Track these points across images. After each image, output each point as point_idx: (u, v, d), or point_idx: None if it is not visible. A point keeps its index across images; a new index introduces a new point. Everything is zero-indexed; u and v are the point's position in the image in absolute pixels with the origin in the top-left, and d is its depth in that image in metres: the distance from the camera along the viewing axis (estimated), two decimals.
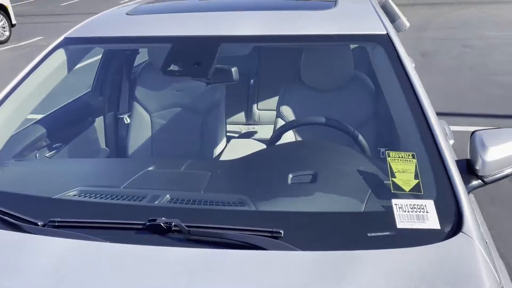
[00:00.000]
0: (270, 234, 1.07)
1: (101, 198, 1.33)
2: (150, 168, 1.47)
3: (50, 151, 2.06)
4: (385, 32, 1.64)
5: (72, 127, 2.25)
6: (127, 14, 2.09)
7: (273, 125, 3.22)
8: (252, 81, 3.32)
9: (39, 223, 1.21)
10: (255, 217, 1.19)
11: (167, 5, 2.48)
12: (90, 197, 1.33)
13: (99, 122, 2.47)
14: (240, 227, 1.10)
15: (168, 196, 1.29)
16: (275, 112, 3.25)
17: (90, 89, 2.51)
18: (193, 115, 2.48)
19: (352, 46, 2.43)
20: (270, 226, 1.09)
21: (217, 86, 2.45)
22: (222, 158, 2.29)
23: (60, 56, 1.90)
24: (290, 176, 1.29)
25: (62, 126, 2.17)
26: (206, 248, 1.08)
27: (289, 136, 2.31)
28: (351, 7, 1.95)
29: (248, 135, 2.96)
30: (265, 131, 3.00)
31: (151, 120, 2.52)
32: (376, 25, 1.69)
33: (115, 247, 1.12)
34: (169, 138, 2.51)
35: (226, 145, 2.46)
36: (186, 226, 1.11)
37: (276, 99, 3.28)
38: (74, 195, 1.35)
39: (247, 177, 1.37)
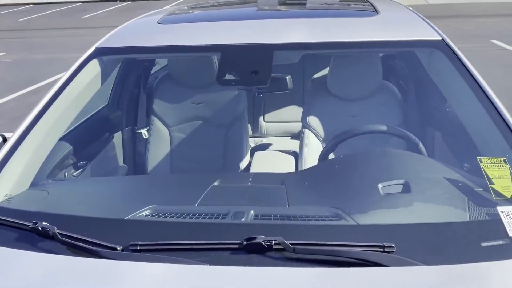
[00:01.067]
0: (382, 249, 1.01)
1: (178, 217, 1.21)
2: (216, 184, 1.37)
3: (75, 170, 1.91)
4: (440, 38, 1.64)
5: (92, 144, 2.10)
6: (158, 23, 2.00)
7: (282, 137, 3.18)
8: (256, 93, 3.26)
9: (118, 248, 1.09)
10: (359, 232, 1.12)
11: (197, 15, 2.39)
12: (166, 217, 1.22)
13: (117, 137, 2.33)
14: (349, 242, 1.02)
15: (252, 212, 1.20)
16: (282, 124, 3.21)
17: (106, 103, 2.37)
18: (214, 128, 2.39)
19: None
20: (376, 240, 1.03)
21: (240, 98, 2.38)
22: (252, 171, 2.21)
23: (94, 67, 1.77)
24: (380, 186, 1.23)
25: (84, 143, 2.02)
26: (315, 267, 1.00)
27: (315, 145, 2.25)
28: (395, 15, 1.95)
29: (263, 147, 2.88)
30: (281, 143, 2.94)
31: (170, 135, 2.40)
32: (428, 31, 1.68)
33: (213, 269, 1.02)
34: (189, 153, 2.39)
35: (250, 159, 2.38)
36: (290, 243, 1.03)
37: (283, 110, 3.24)
38: (147, 215, 1.23)
39: (330, 189, 1.30)
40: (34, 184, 1.47)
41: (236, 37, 1.73)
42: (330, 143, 1.69)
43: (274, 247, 1.03)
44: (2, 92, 6.88)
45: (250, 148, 2.43)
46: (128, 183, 1.52)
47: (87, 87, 1.72)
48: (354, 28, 1.74)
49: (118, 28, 2.04)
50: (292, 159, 2.28)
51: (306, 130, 2.23)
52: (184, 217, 1.21)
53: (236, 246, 1.05)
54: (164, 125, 2.40)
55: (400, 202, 1.20)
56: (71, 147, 1.86)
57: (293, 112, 3.17)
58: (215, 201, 1.27)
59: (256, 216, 1.19)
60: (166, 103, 2.39)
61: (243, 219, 1.17)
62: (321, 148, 2.24)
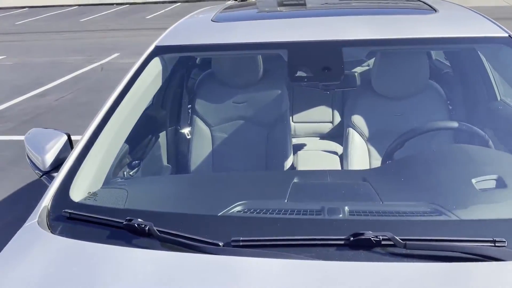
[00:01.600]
0: (493, 244, 1.01)
1: (272, 213, 1.21)
2: (297, 180, 1.36)
3: (130, 169, 1.89)
4: (507, 34, 1.65)
5: (142, 143, 2.08)
6: (212, 21, 1.99)
7: (311, 137, 3.18)
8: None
9: (220, 243, 1.08)
10: (464, 226, 1.11)
11: (251, 13, 2.38)
12: (259, 213, 1.21)
13: (162, 137, 2.31)
14: (460, 238, 1.02)
15: (347, 208, 1.19)
16: (310, 125, 3.20)
17: (151, 102, 2.35)
18: (257, 127, 2.37)
19: None
20: (484, 235, 1.02)
21: (283, 97, 2.37)
22: (298, 168, 2.19)
23: (155, 65, 1.76)
24: (474, 181, 1.23)
25: (136, 142, 2.01)
26: (426, 263, 1.00)
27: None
28: (455, 13, 1.96)
29: (298, 148, 2.87)
30: (317, 144, 2.94)
31: (211, 135, 2.39)
32: (493, 28, 1.69)
33: (320, 264, 1.02)
34: (231, 153, 2.38)
35: (294, 159, 2.37)
36: (400, 239, 1.02)
37: (311, 111, 3.24)
38: (239, 211, 1.22)
39: (419, 184, 1.30)
40: (107, 182, 1.45)
41: (304, 34, 1.72)
42: (398, 140, 1.68)
43: (382, 242, 1.02)
44: (10, 95, 6.80)
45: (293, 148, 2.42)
46: (201, 180, 1.50)
47: (150, 85, 1.71)
48: (419, 25, 1.74)
49: (174, 26, 2.03)
50: (336, 158, 2.28)
51: (351, 129, 2.23)
52: (277, 213, 1.20)
53: (342, 242, 1.04)
54: (206, 125, 2.38)
55: (500, 197, 1.20)
56: (127, 146, 1.84)
57: (322, 112, 3.17)
58: (305, 198, 1.26)
59: (351, 212, 1.18)
60: (208, 103, 2.37)
61: (340, 215, 1.17)
62: (365, 147, 2.24)
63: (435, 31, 1.68)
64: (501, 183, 1.24)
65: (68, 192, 1.31)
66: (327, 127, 3.17)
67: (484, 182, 1.23)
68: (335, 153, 2.57)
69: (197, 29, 1.95)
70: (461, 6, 2.09)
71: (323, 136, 3.16)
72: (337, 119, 3.14)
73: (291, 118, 3.18)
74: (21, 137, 5.11)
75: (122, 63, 8.59)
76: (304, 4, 2.47)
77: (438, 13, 1.89)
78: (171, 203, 1.29)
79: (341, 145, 2.88)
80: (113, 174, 1.64)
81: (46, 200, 1.29)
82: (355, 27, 1.75)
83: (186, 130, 2.40)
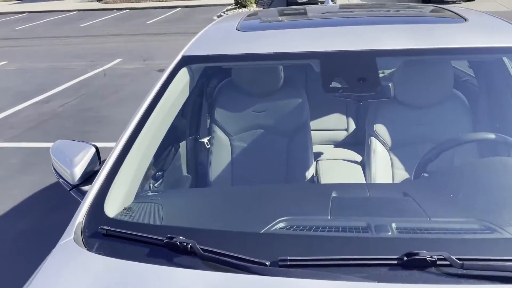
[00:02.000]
0: None
1: (316, 230, 1.17)
2: (335, 195, 1.33)
3: (155, 181, 1.85)
4: None
5: (164, 153, 2.04)
6: (238, 30, 1.95)
7: (326, 145, 3.15)
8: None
9: (267, 263, 1.04)
10: None
11: (277, 22, 2.34)
12: (303, 230, 1.17)
13: (182, 147, 2.27)
14: None
15: (394, 225, 1.16)
16: (325, 132, 3.18)
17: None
18: (277, 136, 2.34)
19: None
20: None
21: (303, 106, 2.34)
22: (322, 181, 2.16)
23: (183, 76, 1.72)
24: None
25: (159, 152, 1.97)
26: (485, 284, 0.96)
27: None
28: (485, 22, 1.93)
29: (316, 156, 2.84)
30: (334, 152, 2.91)
31: (230, 144, 2.36)
32: None
33: (372, 287, 0.98)
34: (250, 162, 2.34)
35: (315, 168, 2.34)
36: (457, 259, 0.99)
37: (326, 118, 3.21)
38: (281, 228, 1.18)
39: (465, 199, 1.26)
40: (138, 196, 1.41)
41: (336, 43, 1.68)
42: (432, 152, 1.64)
43: (438, 262, 0.99)
44: (14, 101, 6.75)
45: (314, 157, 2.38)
46: (236, 194, 1.45)
47: (178, 96, 1.67)
48: (451, 35, 1.71)
49: (199, 34, 1.99)
50: (358, 168, 2.24)
51: (373, 139, 2.21)
52: (322, 231, 1.16)
53: (395, 262, 1.01)
54: (225, 134, 2.35)
55: None
56: (152, 158, 1.80)
57: (337, 120, 3.15)
58: (348, 214, 1.22)
59: (400, 230, 1.14)
60: (227, 112, 2.34)
61: (389, 233, 1.13)
62: (388, 157, 2.21)
63: (467, 41, 1.65)
64: None
65: (103, 207, 1.27)
66: (342, 135, 3.15)
67: None
68: (356, 162, 2.54)
69: (223, 38, 1.91)
70: (491, 15, 2.07)
71: (338, 144, 3.13)
72: (352, 126, 3.12)
73: None
74: (27, 144, 5.07)
75: (125, 69, 8.56)
76: (329, 12, 2.44)
77: (468, 22, 1.86)
78: (209, 219, 1.25)
79: (358, 153, 2.85)
80: (141, 187, 1.61)
81: (81, 216, 1.25)
82: (387, 36, 1.71)
83: (205, 140, 2.37)
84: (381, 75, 2.68)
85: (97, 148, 1.55)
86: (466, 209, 1.21)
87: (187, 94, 1.75)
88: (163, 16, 16.46)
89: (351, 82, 1.54)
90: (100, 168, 1.47)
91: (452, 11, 2.12)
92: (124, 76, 7.93)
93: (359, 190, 1.37)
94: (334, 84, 1.54)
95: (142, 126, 1.50)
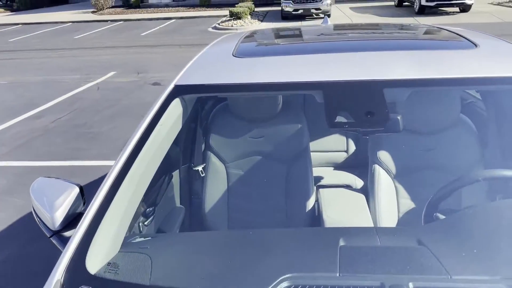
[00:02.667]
0: None
1: None
2: (343, 244, 1.20)
3: (145, 218, 1.72)
4: None
5: (155, 186, 1.91)
6: (234, 56, 1.84)
7: (325, 167, 3.02)
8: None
9: None
10: None
11: (275, 47, 2.23)
12: None
13: (175, 176, 2.15)
14: None
15: (411, 285, 1.03)
16: (324, 154, 3.07)
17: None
18: (276, 163, 2.22)
19: None
20: None
21: (303, 132, 2.23)
22: (324, 212, 2.03)
23: (177, 107, 1.60)
24: None
25: (150, 186, 1.84)
26: None
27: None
28: (496, 48, 1.83)
29: (316, 180, 2.71)
30: (334, 175, 2.79)
31: (226, 171, 2.23)
32: None
33: None
34: (248, 191, 2.22)
35: (316, 197, 2.22)
36: None
37: (325, 139, 3.10)
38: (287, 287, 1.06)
39: (483, 249, 1.14)
40: (125, 243, 1.28)
41: (341, 72, 1.58)
42: (444, 190, 1.52)
43: None
44: (3, 117, 6.60)
45: (315, 185, 2.26)
46: (230, 243, 1.31)
47: (171, 129, 1.55)
48: (461, 63, 1.61)
49: (193, 61, 1.87)
50: (362, 197, 2.12)
51: (377, 166, 2.09)
52: None
53: None
54: (221, 161, 2.23)
55: None
56: (142, 194, 1.67)
57: (336, 141, 3.04)
58: (359, 269, 1.10)
59: None
60: (223, 138, 2.22)
61: None
62: (392, 186, 2.09)
63: (478, 70, 1.54)
64: None
65: (84, 261, 1.14)
66: (341, 157, 3.04)
67: None
68: (358, 189, 2.42)
69: (218, 65, 1.79)
70: (503, 40, 1.97)
71: (338, 166, 3.02)
72: (352, 148, 3.01)
73: None
74: (16, 163, 4.91)
75: (118, 82, 8.44)
76: (328, 35, 2.33)
77: (479, 48, 1.76)
78: (204, 274, 1.12)
79: (359, 177, 2.73)
80: (128, 230, 1.48)
81: (59, 273, 1.12)
82: (396, 65, 1.60)
83: (200, 168, 2.24)
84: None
85: (81, 188, 1.42)
86: (487, 263, 1.09)
87: (180, 126, 1.63)
88: (158, 27, 16.39)
89: (357, 115, 1.42)
90: (84, 210, 1.34)
91: (461, 35, 2.02)
92: (118, 90, 7.80)
93: (368, 237, 1.24)
94: (339, 119, 1.42)
95: (131, 163, 1.37)
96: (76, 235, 1.21)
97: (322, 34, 2.38)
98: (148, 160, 1.42)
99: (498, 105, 2.11)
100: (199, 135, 2.31)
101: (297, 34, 2.51)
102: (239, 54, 1.86)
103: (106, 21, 18.90)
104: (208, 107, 2.47)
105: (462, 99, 2.36)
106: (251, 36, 2.37)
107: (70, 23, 18.95)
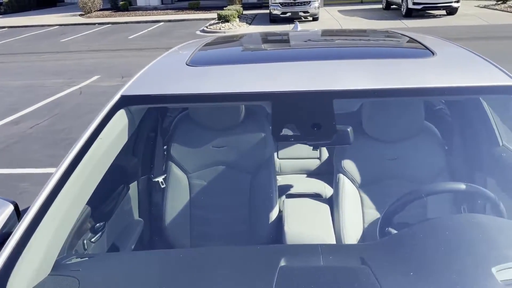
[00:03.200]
0: None
1: None
2: (284, 264, 1.13)
3: (93, 234, 1.65)
4: None
5: (107, 200, 1.83)
6: (187, 64, 1.77)
7: (297, 174, 2.96)
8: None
9: None
10: None
11: (230, 55, 2.17)
12: None
13: (133, 188, 2.07)
14: None
15: None
16: (297, 161, 3.01)
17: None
18: (239, 173, 2.16)
19: None
20: None
21: (267, 141, 2.17)
22: (286, 224, 1.96)
23: (121, 118, 1.53)
24: (495, 270, 1.01)
25: (99, 200, 1.76)
26: None
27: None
28: (454, 56, 1.79)
29: (284, 189, 2.65)
30: (304, 183, 2.73)
31: (189, 182, 2.17)
32: (498, 76, 1.52)
33: None
34: (210, 202, 2.15)
35: (280, 207, 2.16)
36: None
37: (297, 147, 3.04)
38: None
39: (427, 269, 1.08)
40: (57, 266, 1.20)
41: (291, 83, 1.51)
42: (397, 204, 1.47)
43: None
44: None
45: (279, 196, 2.20)
46: (166, 262, 1.25)
47: (114, 142, 1.47)
48: (417, 73, 1.56)
49: (143, 71, 1.80)
50: (326, 208, 2.05)
51: (341, 175, 2.04)
52: None
53: None
54: (183, 171, 2.16)
55: None
56: (88, 208, 1.60)
57: (309, 148, 2.98)
58: None
59: None
60: (185, 147, 2.16)
61: None
62: (357, 195, 2.04)
63: (435, 80, 1.49)
64: None
65: (5, 286, 1.06)
66: (314, 164, 2.98)
67: (506, 271, 1.02)
68: (325, 199, 2.36)
69: (169, 74, 1.73)
70: (460, 47, 1.93)
71: (310, 174, 2.96)
72: (325, 155, 2.96)
73: (276, 154, 2.98)
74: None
75: (102, 86, 8.34)
76: (289, 42, 2.28)
77: (436, 57, 1.72)
78: None
79: (330, 185, 2.67)
80: (68, 248, 1.40)
81: None
82: (347, 74, 1.55)
83: (160, 179, 2.17)
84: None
85: (16, 205, 1.35)
86: (428, 285, 1.03)
87: (126, 138, 1.56)
88: (146, 30, 16.29)
89: (304, 127, 1.36)
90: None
91: (419, 42, 1.97)
92: (101, 95, 7.69)
93: (311, 255, 1.18)
94: (285, 132, 1.36)
95: (67, 178, 1.30)
96: (0, 258, 1.14)
97: (284, 41, 2.33)
98: (87, 174, 1.35)
99: (460, 113, 2.07)
100: (159, 145, 2.24)
101: (258, 42, 2.45)
102: (193, 62, 1.79)
103: (94, 24, 18.75)
104: (169, 116, 2.40)
105: (431, 105, 2.31)
106: (211, 43, 2.30)
107: (57, 26, 18.77)
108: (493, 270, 1.02)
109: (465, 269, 1.05)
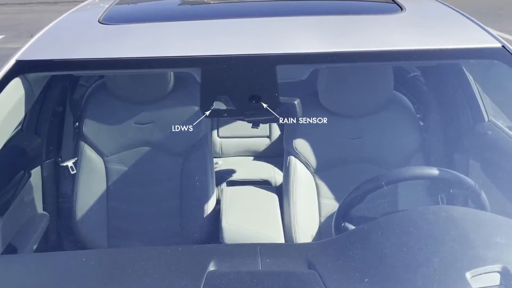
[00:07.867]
0: None
1: None
2: (213, 268, 0.92)
3: None
4: (500, 45, 1.29)
5: (2, 190, 1.50)
6: (100, 22, 1.45)
7: (242, 156, 2.64)
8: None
9: None
10: None
11: (153, 10, 1.81)
12: None
13: (35, 175, 1.72)
14: None
15: None
16: (241, 140, 2.67)
17: (20, 127, 1.72)
18: (168, 156, 1.86)
19: None
20: None
21: (201, 115, 1.85)
22: (224, 218, 1.68)
23: (16, 89, 1.26)
24: (469, 276, 0.85)
25: None
26: None
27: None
28: (427, 12, 1.59)
29: (224, 175, 2.34)
30: (249, 168, 2.44)
31: (105, 167, 1.84)
32: (481, 35, 1.34)
33: None
34: (132, 191, 1.85)
35: (218, 197, 1.89)
36: None
37: (242, 123, 2.70)
38: None
39: (387, 272, 0.89)
40: None
41: (226, 44, 1.29)
42: (355, 193, 1.26)
43: None
44: None
45: (216, 183, 1.92)
46: (75, 266, 0.98)
47: (7, 118, 1.23)
48: (382, 32, 1.37)
49: (45, 30, 1.47)
50: (275, 198, 1.79)
51: (292, 158, 1.74)
52: None
53: None
54: (98, 153, 1.83)
55: None
56: None
57: None
58: None
59: None
60: (100, 124, 1.83)
61: None
62: (313, 182, 1.76)
63: (403, 41, 1.30)
64: (507, 278, 0.87)
65: None
66: (263, 144, 2.63)
67: (482, 277, 0.87)
68: (274, 189, 2.07)
69: (76, 35, 1.44)
70: (435, 0, 1.72)
71: (258, 156, 2.64)
72: (276, 133, 2.61)
73: (216, 132, 2.62)
74: None
75: (7, 48, 7.39)
76: None
77: (405, 12, 1.52)
78: None
79: (280, 169, 2.38)
80: None
81: None
82: (296, 34, 1.33)
83: (70, 163, 1.83)
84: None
85: None
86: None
87: (22, 115, 1.32)
88: None
89: (240, 100, 1.16)
90: None
91: None
92: (4, 59, 6.80)
93: (248, 257, 0.98)
94: (216, 105, 1.15)
95: None
96: None
97: None
98: None
99: (437, 81, 1.88)
100: (68, 122, 1.89)
101: None
102: (107, 20, 1.50)
103: None
104: (81, 86, 2.03)
105: (402, 73, 2.10)
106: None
107: None
108: (467, 275, 0.86)
109: (433, 273, 0.89)
